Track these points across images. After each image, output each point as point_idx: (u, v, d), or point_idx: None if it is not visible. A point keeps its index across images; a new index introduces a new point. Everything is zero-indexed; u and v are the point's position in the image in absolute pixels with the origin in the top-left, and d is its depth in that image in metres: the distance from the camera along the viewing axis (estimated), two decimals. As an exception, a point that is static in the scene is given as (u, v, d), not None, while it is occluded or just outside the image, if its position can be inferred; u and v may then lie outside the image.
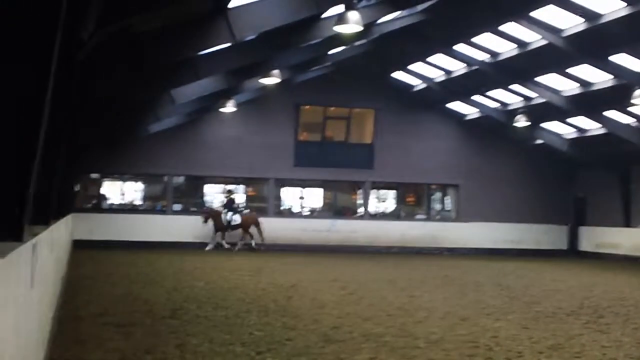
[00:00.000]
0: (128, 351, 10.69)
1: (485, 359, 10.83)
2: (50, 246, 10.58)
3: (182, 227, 37.68)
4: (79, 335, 11.93)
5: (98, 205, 39.41)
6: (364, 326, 13.60)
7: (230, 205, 37.36)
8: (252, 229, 37.13)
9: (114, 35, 15.59)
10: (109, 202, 40.13)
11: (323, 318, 14.50)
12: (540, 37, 27.86)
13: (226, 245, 36.69)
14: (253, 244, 36.98)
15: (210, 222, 36.60)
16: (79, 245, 32.09)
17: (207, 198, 41.11)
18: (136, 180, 40.86)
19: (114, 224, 36.92)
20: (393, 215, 42.75)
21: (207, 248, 35.96)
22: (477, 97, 38.19)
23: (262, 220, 37.23)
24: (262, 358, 10.50)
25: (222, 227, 36.68)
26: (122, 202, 40.24)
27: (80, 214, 35.15)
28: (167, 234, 37.40)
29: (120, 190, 40.63)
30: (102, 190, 40.52)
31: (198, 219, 37.34)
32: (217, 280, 21.51)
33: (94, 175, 39.85)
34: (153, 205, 40.48)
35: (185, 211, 39.55)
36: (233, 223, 36.75)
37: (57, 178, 12.50)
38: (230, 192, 38.45)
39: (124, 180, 40.58)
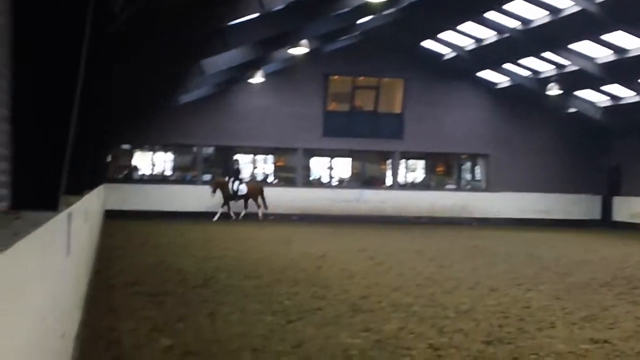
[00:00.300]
0: (159, 320, 10.79)
1: (516, 329, 10.83)
2: (84, 216, 10.68)
3: (212, 197, 37.85)
4: (111, 304, 12.06)
5: (129, 175, 39.61)
6: (393, 296, 13.63)
7: (236, 174, 37.18)
8: (258, 200, 37.15)
9: (145, 8, 15.62)
10: (139, 172, 40.33)
11: (352, 288, 14.55)
12: (573, 3, 27.51)
13: (233, 216, 36.65)
14: (260, 213, 36.90)
15: (219, 192, 36.46)
16: (110, 216, 32.31)
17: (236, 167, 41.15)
18: (166, 151, 41.00)
19: (144, 195, 37.10)
20: (422, 185, 42.65)
21: (215, 218, 35.83)
22: (508, 66, 37.87)
23: (266, 190, 37.37)
24: (292, 327, 10.57)
25: (229, 197, 36.45)
26: (153, 172, 40.41)
27: (111, 184, 35.38)
28: (197, 204, 37.53)
29: (150, 161, 40.79)
30: (133, 161, 40.70)
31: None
32: (247, 250, 21.61)
33: (125, 147, 40.03)
34: (183, 175, 40.65)
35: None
36: (239, 193, 36.59)
37: (90, 149, 12.60)
38: (236, 161, 38.27)
39: (155, 151, 40.72)
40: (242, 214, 36.75)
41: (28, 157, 5.70)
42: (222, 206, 36.49)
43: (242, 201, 36.94)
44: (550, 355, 9.29)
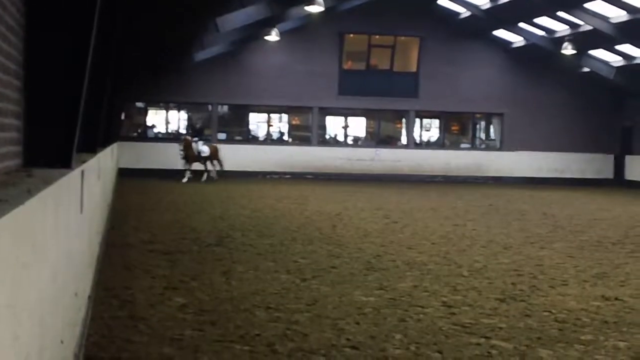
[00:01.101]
0: (174, 278, 10.86)
1: (529, 287, 10.86)
2: (97, 173, 10.70)
3: (227, 155, 37.87)
4: (126, 261, 12.13)
5: (143, 133, 39.62)
6: (408, 254, 13.68)
7: (200, 134, 35.98)
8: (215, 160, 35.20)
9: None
10: (154, 130, 40.31)
11: (367, 246, 14.60)
12: (588, -38, 27.25)
13: (189, 176, 33.78)
14: (214, 173, 34.70)
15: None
16: (124, 174, 32.40)
17: (251, 127, 41.14)
18: (181, 109, 40.94)
19: (158, 153, 37.12)
20: (437, 144, 42.55)
21: (185, 180, 33.25)
22: (523, 25, 37.59)
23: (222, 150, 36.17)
24: (307, 285, 10.62)
25: (193, 158, 34.12)
26: (167, 130, 40.39)
27: (125, 142, 35.43)
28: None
29: (165, 119, 40.76)
30: (147, 119, 40.67)
31: (241, 148, 37.66)
32: (262, 209, 21.67)
33: (139, 104, 39.99)
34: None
35: (229, 140, 39.64)
36: (202, 154, 34.40)
37: (103, 107, 12.59)
38: (199, 120, 37.22)
39: (169, 109, 40.68)
40: (205, 176, 34.24)
41: (40, 114, 5.70)
42: (188, 166, 34.08)
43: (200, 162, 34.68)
44: (562, 312, 9.32)
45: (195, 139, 34.54)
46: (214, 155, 34.64)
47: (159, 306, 9.09)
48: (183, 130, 40.39)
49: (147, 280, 10.67)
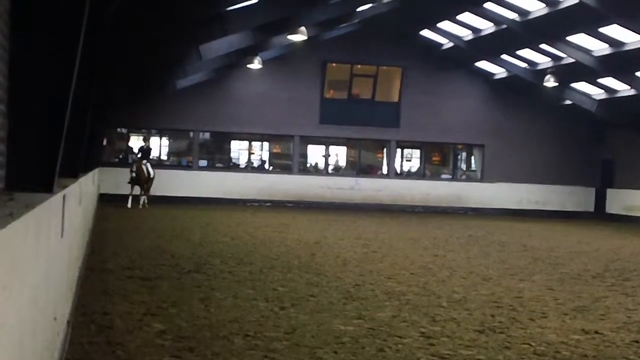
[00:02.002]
0: (153, 304, 10.81)
1: (509, 319, 10.87)
2: (78, 198, 10.68)
3: (208, 182, 37.84)
4: (105, 287, 12.08)
5: (125, 159, 39.55)
6: (387, 284, 13.67)
7: (147, 155, 33.81)
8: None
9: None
10: (135, 156, 40.23)
11: (346, 275, 14.59)
12: (570, -5, 27.48)
13: (131, 203, 32.16)
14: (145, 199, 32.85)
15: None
16: (105, 199, 32.28)
17: (233, 154, 41.20)
18: (162, 136, 40.94)
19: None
20: (418, 175, 42.67)
21: (129, 204, 31.81)
22: (505, 57, 37.85)
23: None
24: (286, 313, 10.59)
25: (144, 180, 32.33)
26: (149, 157, 40.30)
27: (107, 168, 35.35)
28: (192, 189, 37.58)
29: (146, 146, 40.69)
30: (129, 145, 40.62)
31: (222, 175, 37.73)
32: (242, 236, 21.64)
33: (121, 130, 39.97)
34: (179, 160, 40.63)
35: (211, 167, 39.69)
36: (151, 176, 32.60)
37: (86, 132, 12.59)
38: (146, 140, 36.25)
39: (151, 135, 40.65)
40: (144, 200, 32.61)
41: (23, 139, 5.70)
42: (133, 188, 32.38)
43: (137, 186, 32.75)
44: (541, 345, 9.34)
45: (144, 161, 32.71)
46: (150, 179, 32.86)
47: (137, 332, 9.05)
48: (164, 157, 40.39)
49: (126, 305, 10.63)
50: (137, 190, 32.55)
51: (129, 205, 31.53)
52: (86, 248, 15.49)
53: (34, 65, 5.54)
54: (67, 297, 8.28)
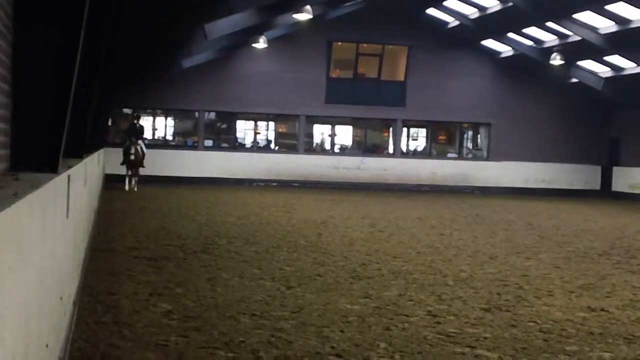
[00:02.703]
0: (160, 284, 10.82)
1: (515, 297, 10.86)
2: (83, 179, 10.67)
3: (214, 162, 37.86)
4: (111, 267, 12.09)
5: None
6: (393, 263, 13.67)
7: (140, 134, 31.72)
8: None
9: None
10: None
11: (352, 255, 14.59)
12: (577, -27, 27.34)
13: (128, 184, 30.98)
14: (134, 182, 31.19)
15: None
16: (111, 180, 32.28)
17: (238, 134, 41.18)
18: (168, 116, 40.91)
19: (145, 159, 37.03)
20: (424, 154, 42.61)
21: (127, 186, 30.72)
22: (511, 35, 37.72)
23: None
24: (292, 293, 10.60)
25: (140, 162, 30.79)
26: (154, 137, 40.30)
27: (112, 148, 35.33)
28: (198, 169, 37.61)
29: (152, 126, 40.68)
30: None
31: (228, 155, 37.74)
32: (248, 216, 21.65)
33: (127, 110, 39.93)
34: (184, 140, 40.62)
35: (216, 147, 39.69)
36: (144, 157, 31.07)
37: (90, 112, 12.57)
38: (137, 117, 33.34)
39: (156, 115, 40.63)
40: (134, 181, 31.04)
41: (28, 118, 5.68)
42: (129, 170, 30.93)
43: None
44: (547, 322, 9.33)
45: (139, 141, 30.90)
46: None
47: (143, 312, 9.06)
48: (170, 137, 40.36)
49: (132, 286, 10.64)
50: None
51: (127, 187, 30.29)
52: (92, 229, 15.50)
53: (38, 44, 5.52)
54: (74, 278, 8.28)
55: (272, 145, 41.19)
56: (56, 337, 5.55)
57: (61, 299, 6.07)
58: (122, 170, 31.39)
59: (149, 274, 11.70)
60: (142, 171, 31.57)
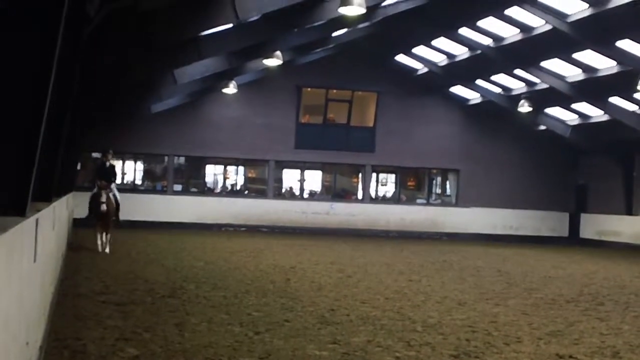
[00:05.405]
0: (127, 329, 10.73)
1: (484, 344, 10.86)
2: (52, 222, 10.60)
3: (183, 207, 37.75)
4: (78, 312, 11.97)
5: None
6: (361, 309, 13.63)
7: (111, 176, 24.58)
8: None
9: (120, 12, 15.58)
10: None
11: (321, 300, 14.54)
12: (544, 22, 27.66)
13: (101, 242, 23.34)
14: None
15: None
16: (79, 224, 32.02)
17: (208, 179, 41.13)
18: (137, 160, 40.79)
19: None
20: (393, 199, 42.70)
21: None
22: (480, 82, 38.09)
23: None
24: (260, 338, 10.54)
25: (112, 213, 23.50)
26: (123, 181, 40.11)
27: (81, 192, 35.08)
28: (167, 214, 37.46)
29: (121, 169, 40.51)
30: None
31: (197, 200, 37.64)
32: (216, 261, 21.56)
33: (95, 154, 39.73)
34: (154, 185, 40.49)
35: (185, 191, 39.60)
36: (119, 205, 24.09)
37: (60, 155, 12.51)
38: (108, 155, 25.17)
39: (125, 159, 40.49)
40: (108, 239, 23.43)
41: (-4, 162, 5.64)
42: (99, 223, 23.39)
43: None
44: (516, 370, 9.32)
45: (112, 185, 23.95)
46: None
47: (110, 357, 8.97)
48: (139, 181, 40.20)
49: (99, 331, 10.54)
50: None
51: (100, 248, 22.96)
52: (60, 273, 15.36)
53: (6, 86, 5.50)
54: (40, 322, 8.19)
55: (242, 190, 41.10)
56: (21, 383, 5.47)
57: (27, 343, 5.99)
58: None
59: (116, 318, 11.60)
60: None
